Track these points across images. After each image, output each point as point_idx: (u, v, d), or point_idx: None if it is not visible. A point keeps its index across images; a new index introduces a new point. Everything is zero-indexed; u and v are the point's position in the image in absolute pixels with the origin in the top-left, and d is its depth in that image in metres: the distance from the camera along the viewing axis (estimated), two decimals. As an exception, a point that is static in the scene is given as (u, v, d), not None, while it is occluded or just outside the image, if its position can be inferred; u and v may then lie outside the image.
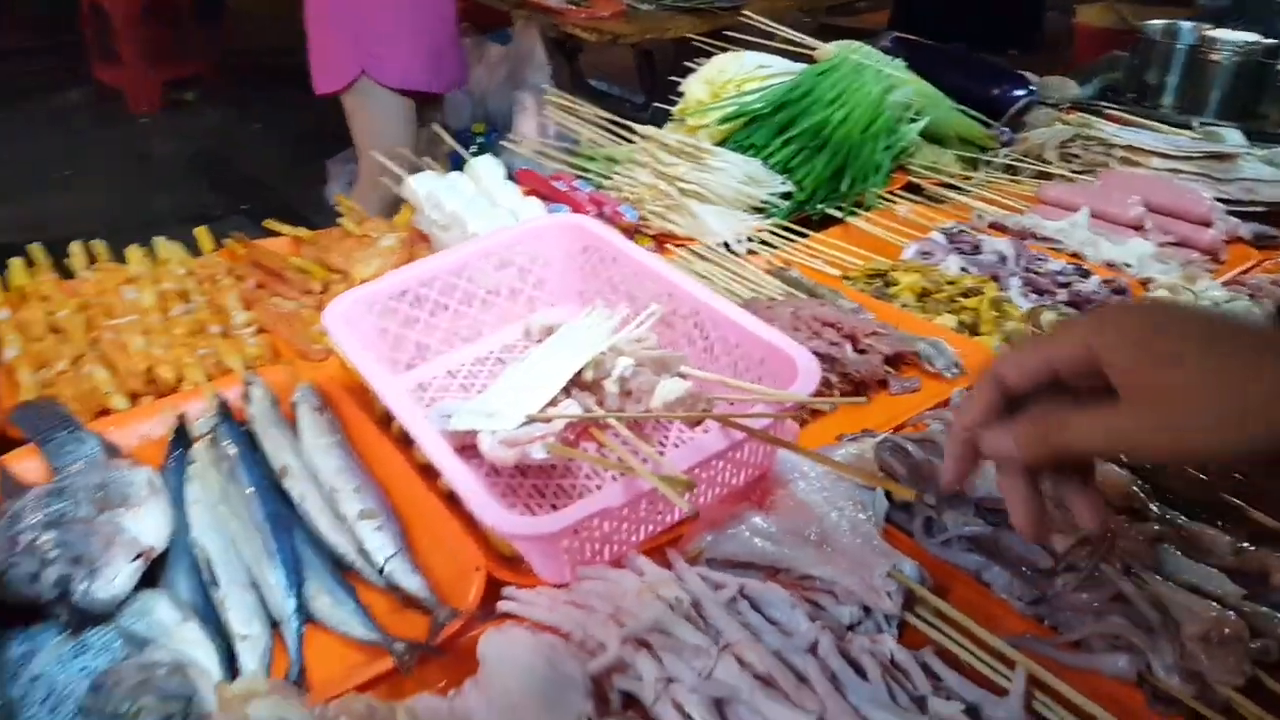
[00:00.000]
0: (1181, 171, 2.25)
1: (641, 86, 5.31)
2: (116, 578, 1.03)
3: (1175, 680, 0.95)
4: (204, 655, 0.99)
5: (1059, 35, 5.84)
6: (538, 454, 1.12)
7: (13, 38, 8.33)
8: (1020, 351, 0.81)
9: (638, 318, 1.33)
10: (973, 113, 2.48)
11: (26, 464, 1.29)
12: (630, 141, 2.21)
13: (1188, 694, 0.95)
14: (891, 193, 2.24)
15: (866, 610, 1.04)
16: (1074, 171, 2.31)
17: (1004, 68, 2.75)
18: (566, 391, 1.22)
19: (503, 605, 1.03)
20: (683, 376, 1.17)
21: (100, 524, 1.08)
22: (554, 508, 1.16)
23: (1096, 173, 2.27)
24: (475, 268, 1.43)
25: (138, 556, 1.07)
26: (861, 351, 1.51)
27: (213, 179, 3.70)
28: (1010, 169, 2.38)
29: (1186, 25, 2.93)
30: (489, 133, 4.82)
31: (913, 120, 2.34)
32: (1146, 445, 0.74)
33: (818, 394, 1.30)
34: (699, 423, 1.07)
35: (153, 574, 1.12)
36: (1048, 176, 2.31)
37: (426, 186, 1.91)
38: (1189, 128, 2.50)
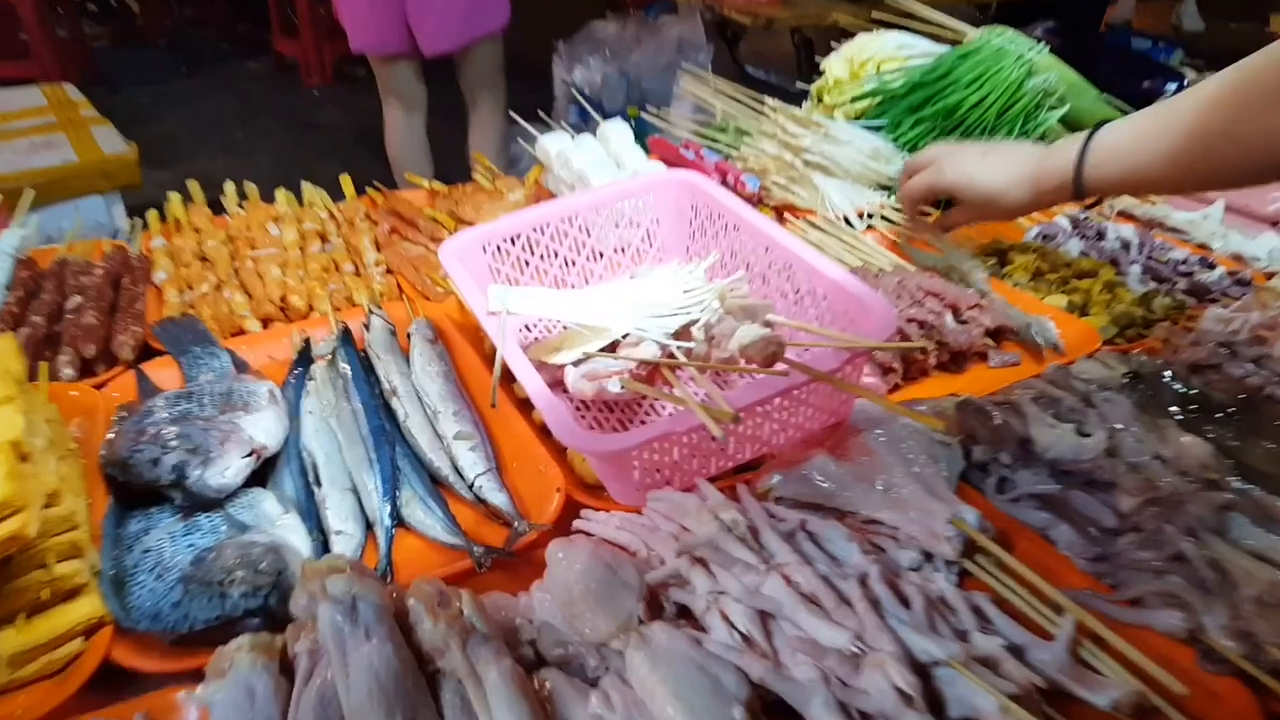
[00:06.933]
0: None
1: (799, 74, 5.29)
2: (228, 469, 1.13)
3: (1226, 640, 0.94)
4: (298, 541, 1.08)
5: (1247, 43, 5.61)
6: (613, 388, 1.17)
7: (207, 9, 8.87)
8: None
9: (735, 273, 1.36)
10: (1118, 102, 2.40)
11: (164, 372, 1.41)
12: (765, 115, 2.23)
13: (1237, 654, 0.93)
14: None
15: (928, 556, 1.06)
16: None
17: (1158, 62, 2.66)
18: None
19: (578, 524, 1.09)
20: (768, 324, 1.20)
21: (220, 422, 1.18)
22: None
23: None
24: (586, 218, 1.49)
25: (250, 454, 1.17)
26: (963, 322, 1.51)
27: (373, 149, 3.87)
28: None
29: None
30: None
31: (1053, 108, 2.29)
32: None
33: (897, 351, 1.33)
34: (771, 365, 1.09)
35: (263, 477, 1.22)
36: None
37: (558, 145, 1.98)
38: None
